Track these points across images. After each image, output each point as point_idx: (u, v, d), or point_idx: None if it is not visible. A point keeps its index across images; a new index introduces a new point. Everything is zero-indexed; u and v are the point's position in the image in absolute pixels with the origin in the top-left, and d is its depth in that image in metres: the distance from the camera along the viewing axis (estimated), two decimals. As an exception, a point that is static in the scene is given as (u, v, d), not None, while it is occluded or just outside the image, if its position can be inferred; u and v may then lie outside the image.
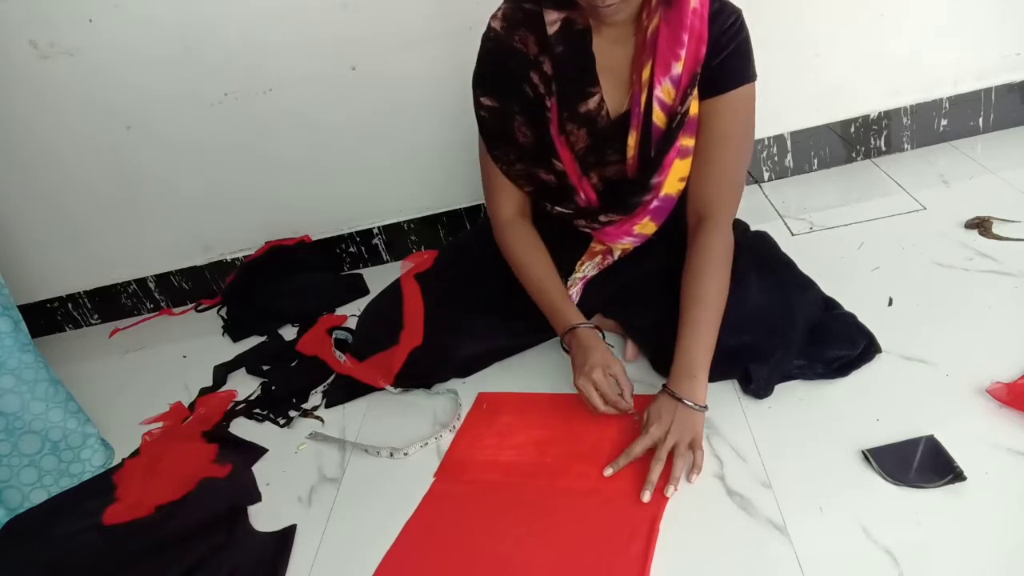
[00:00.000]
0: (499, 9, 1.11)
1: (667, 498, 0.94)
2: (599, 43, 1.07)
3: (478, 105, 1.16)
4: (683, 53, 1.01)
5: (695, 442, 0.98)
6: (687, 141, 1.08)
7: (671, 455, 0.97)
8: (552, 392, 1.20)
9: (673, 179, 1.11)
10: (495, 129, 1.16)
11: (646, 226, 1.17)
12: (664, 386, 1.03)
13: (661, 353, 1.12)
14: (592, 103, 1.09)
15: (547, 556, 0.91)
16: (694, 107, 1.06)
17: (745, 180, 1.14)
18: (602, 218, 1.16)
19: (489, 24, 1.11)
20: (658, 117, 1.06)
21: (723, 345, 1.04)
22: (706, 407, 1.00)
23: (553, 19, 1.06)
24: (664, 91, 1.04)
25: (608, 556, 0.89)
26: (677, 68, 1.02)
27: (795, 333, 1.07)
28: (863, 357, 1.07)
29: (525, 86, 1.10)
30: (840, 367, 1.07)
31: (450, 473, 1.09)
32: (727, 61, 1.03)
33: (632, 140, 1.09)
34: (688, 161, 1.10)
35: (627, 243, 1.21)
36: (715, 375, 1.04)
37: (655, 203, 1.13)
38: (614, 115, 1.10)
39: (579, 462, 1.04)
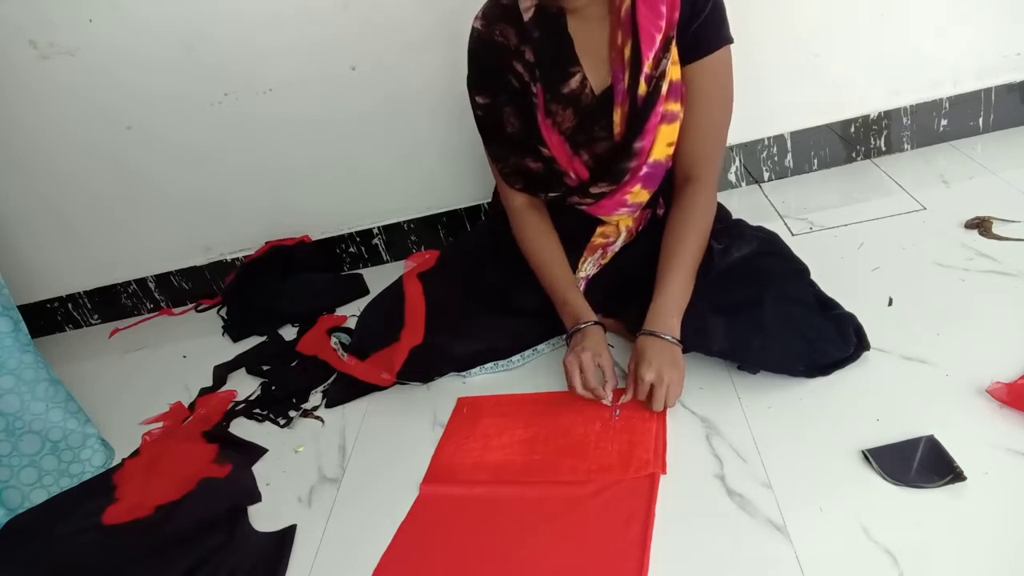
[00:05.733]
0: (480, 10, 1.15)
1: (659, 479, 0.96)
2: (576, 24, 1.10)
3: (474, 105, 1.20)
4: (663, 24, 1.04)
5: (679, 378, 1.05)
6: (672, 106, 1.09)
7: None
8: (541, 392, 1.20)
9: (661, 144, 1.12)
10: (490, 126, 1.20)
11: (638, 194, 1.18)
12: (642, 331, 1.06)
13: None
14: (574, 82, 1.12)
15: (547, 548, 0.91)
16: (676, 72, 1.08)
17: (727, 140, 1.17)
18: (593, 190, 1.17)
19: (472, 26, 1.16)
20: (643, 89, 1.08)
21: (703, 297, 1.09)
22: (682, 342, 1.06)
23: (527, 6, 1.10)
24: (650, 65, 1.06)
25: (607, 542, 0.90)
26: (659, 38, 1.05)
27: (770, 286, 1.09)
28: (852, 357, 1.07)
29: (511, 77, 1.13)
30: (824, 367, 1.06)
31: (438, 479, 1.08)
32: (704, 26, 1.06)
33: (618, 116, 1.11)
34: (675, 126, 1.12)
35: (624, 214, 1.22)
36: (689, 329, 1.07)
37: (644, 169, 1.14)
38: (598, 92, 1.12)
39: (567, 456, 1.05)
